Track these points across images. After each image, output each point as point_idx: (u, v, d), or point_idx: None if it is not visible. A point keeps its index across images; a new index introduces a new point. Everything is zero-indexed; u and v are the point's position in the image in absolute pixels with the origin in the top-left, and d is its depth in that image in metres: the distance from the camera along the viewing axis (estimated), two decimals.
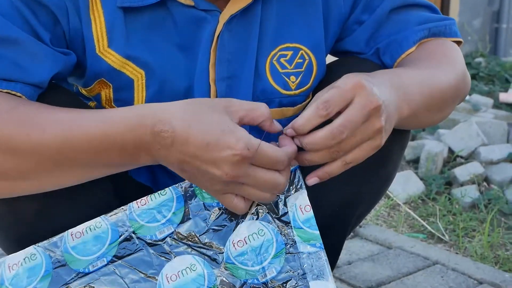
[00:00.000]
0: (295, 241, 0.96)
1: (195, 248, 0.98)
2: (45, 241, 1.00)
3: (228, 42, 1.10)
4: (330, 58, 1.28)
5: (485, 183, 2.80)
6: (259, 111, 0.95)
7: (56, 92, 1.06)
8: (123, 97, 1.10)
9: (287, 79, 1.17)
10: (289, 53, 1.17)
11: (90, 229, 1.00)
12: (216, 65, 1.11)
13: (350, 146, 0.95)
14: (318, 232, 0.94)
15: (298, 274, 0.93)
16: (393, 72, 1.09)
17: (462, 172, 2.80)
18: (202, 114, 0.92)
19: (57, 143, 0.93)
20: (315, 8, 1.18)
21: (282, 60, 1.17)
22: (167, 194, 1.02)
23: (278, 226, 0.96)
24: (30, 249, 0.99)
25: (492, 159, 2.94)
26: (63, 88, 1.11)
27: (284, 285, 0.93)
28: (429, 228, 2.36)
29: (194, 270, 0.96)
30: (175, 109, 0.92)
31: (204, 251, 0.97)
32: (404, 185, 2.70)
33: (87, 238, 0.99)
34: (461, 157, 3.00)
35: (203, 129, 0.90)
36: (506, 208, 2.54)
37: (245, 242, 0.95)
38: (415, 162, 3.03)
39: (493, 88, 4.50)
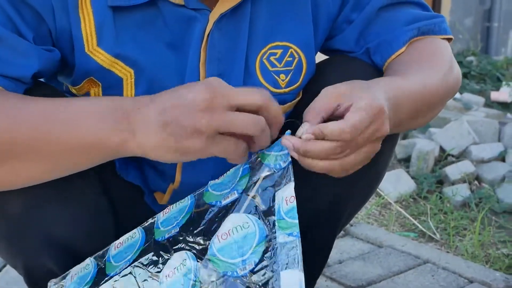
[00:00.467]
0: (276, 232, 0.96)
1: (188, 243, 0.98)
2: (99, 252, 1.06)
3: (218, 41, 1.10)
4: (321, 57, 1.28)
5: (476, 182, 2.80)
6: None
7: (43, 91, 1.05)
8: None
9: (276, 77, 1.17)
10: (279, 51, 1.17)
11: (128, 239, 1.05)
12: (206, 64, 1.10)
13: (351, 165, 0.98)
14: (297, 221, 0.94)
15: (271, 263, 0.92)
16: (388, 85, 1.07)
17: (453, 170, 2.80)
18: None
19: (36, 115, 0.93)
20: (305, 7, 1.18)
21: (272, 58, 1.16)
22: (185, 200, 1.04)
23: (263, 219, 0.96)
24: (87, 261, 1.05)
25: (483, 158, 2.95)
26: (51, 87, 1.10)
27: (256, 276, 0.92)
28: (420, 227, 2.37)
29: (185, 265, 0.96)
30: None
31: (195, 246, 0.98)
32: (396, 183, 2.70)
33: (124, 247, 1.04)
34: (453, 155, 3.00)
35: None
36: (497, 207, 2.55)
37: (229, 234, 0.95)
38: (406, 161, 3.04)
39: (484, 86, 4.52)
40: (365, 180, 1.26)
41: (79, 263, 1.06)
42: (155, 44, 1.08)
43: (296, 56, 1.18)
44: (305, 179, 1.21)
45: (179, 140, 0.91)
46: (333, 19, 1.22)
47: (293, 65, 1.18)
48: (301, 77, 1.20)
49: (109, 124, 0.93)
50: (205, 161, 0.99)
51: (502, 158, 2.98)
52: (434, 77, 1.15)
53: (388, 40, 1.21)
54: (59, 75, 1.14)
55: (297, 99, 1.22)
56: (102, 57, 1.06)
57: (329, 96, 0.96)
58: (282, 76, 1.18)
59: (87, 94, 1.11)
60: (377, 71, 1.21)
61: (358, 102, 0.94)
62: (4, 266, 1.89)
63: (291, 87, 1.19)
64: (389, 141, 1.23)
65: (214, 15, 1.08)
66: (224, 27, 1.10)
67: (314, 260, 1.37)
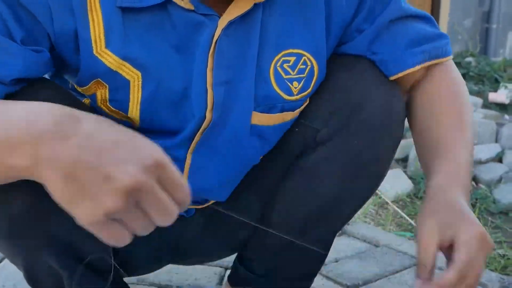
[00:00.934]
0: None
1: None
2: None
3: (226, 47, 1.09)
4: None
5: (473, 183, 2.82)
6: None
7: (48, 88, 1.04)
8: (119, 98, 1.10)
9: (290, 85, 1.17)
10: (292, 58, 1.17)
11: None
12: (214, 70, 1.10)
13: None
14: None
15: None
16: (461, 179, 1.12)
17: None
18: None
19: None
20: (318, 13, 1.17)
21: (285, 66, 1.16)
22: None
23: None
24: None
25: (480, 159, 2.97)
26: (55, 84, 1.09)
27: None
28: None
29: None
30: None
31: None
32: (393, 183, 2.72)
33: None
34: None
35: (116, 130, 0.79)
36: (493, 207, 2.57)
37: None
38: (404, 161, 3.05)
39: (482, 88, 4.53)
40: (366, 180, 1.26)
41: (80, 261, 1.06)
42: (162, 47, 1.08)
43: (309, 63, 1.18)
44: (307, 178, 1.22)
45: (76, 199, 0.74)
46: (346, 25, 1.22)
47: (306, 73, 1.18)
48: (312, 83, 1.20)
49: (14, 147, 0.76)
50: (210, 168, 0.97)
51: (499, 159, 3.00)
52: (470, 126, 1.21)
53: (395, 57, 1.21)
54: (64, 73, 1.14)
55: (305, 104, 1.23)
56: (110, 59, 1.06)
57: (430, 246, 1.03)
58: (295, 83, 1.18)
59: (94, 95, 1.11)
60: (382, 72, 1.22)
61: (461, 236, 1.01)
62: (1, 261, 1.89)
63: (302, 94, 1.20)
64: (392, 140, 1.24)
65: (223, 22, 1.07)
66: (232, 34, 1.09)
67: (313, 259, 1.38)
